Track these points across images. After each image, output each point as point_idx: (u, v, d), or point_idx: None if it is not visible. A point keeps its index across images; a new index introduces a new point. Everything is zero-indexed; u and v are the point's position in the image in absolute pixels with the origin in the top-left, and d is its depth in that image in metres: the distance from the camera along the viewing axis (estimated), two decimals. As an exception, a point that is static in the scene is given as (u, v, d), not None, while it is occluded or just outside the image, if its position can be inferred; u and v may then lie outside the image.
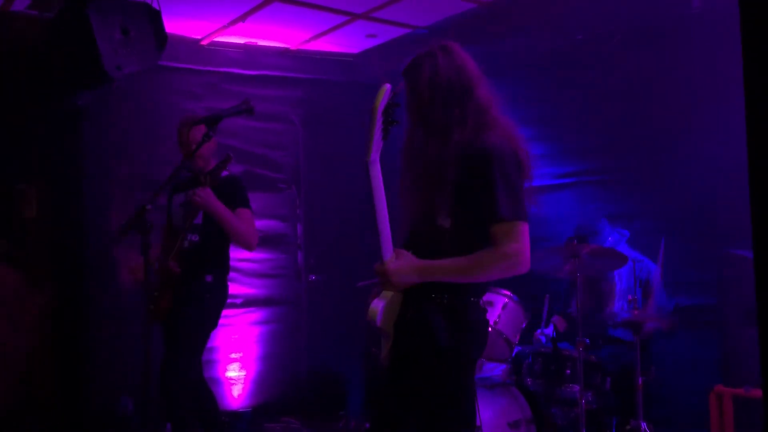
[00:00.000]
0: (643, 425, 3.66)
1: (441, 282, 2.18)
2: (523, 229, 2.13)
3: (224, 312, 3.96)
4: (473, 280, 2.19)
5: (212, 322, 3.88)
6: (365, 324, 2.25)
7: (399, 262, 2.15)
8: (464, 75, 2.25)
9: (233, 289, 5.22)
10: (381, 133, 2.12)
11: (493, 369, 4.43)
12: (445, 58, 2.26)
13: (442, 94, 2.22)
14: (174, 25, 5.00)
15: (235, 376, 5.65)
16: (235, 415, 5.43)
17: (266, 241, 5.73)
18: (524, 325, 4.05)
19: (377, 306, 2.19)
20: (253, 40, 5.61)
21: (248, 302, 5.76)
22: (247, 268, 5.67)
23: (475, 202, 2.14)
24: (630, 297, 3.84)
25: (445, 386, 2.19)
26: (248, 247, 3.93)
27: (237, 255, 5.01)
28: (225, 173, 3.71)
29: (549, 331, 4.39)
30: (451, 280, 2.16)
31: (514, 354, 4.12)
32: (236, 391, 5.64)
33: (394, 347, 2.23)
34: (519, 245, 2.11)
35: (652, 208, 4.53)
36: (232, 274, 4.10)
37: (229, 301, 4.03)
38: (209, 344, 4.01)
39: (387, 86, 2.12)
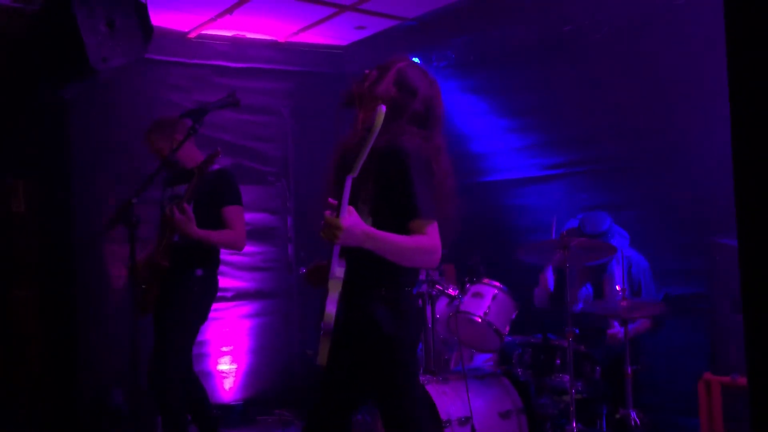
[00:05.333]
0: (633, 413, 3.68)
1: (376, 274, 2.29)
2: (436, 228, 2.26)
3: (215, 305, 3.95)
4: (401, 262, 2.24)
5: (201, 316, 3.86)
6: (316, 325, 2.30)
7: (353, 219, 2.14)
8: (404, 91, 2.37)
9: (224, 282, 5.20)
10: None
11: (483, 359, 4.45)
12: (390, 73, 2.40)
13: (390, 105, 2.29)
14: (161, 18, 4.97)
15: (227, 369, 5.64)
16: (227, 408, 5.43)
17: (256, 234, 5.72)
18: (514, 316, 4.07)
19: (332, 311, 2.23)
20: (241, 33, 5.58)
21: (239, 295, 5.75)
22: (237, 262, 5.66)
23: (394, 201, 2.25)
24: (619, 287, 3.85)
25: (393, 371, 2.32)
26: (236, 250, 3.97)
27: (227, 248, 5.01)
28: (215, 167, 3.69)
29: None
30: (385, 254, 2.20)
31: (504, 344, 4.13)
32: (228, 384, 5.64)
33: (336, 345, 2.26)
34: (438, 243, 2.25)
35: (641, 198, 4.54)
36: (222, 268, 4.08)
37: (219, 294, 4.01)
38: (200, 338, 4.00)
39: (383, 107, 2.11)
